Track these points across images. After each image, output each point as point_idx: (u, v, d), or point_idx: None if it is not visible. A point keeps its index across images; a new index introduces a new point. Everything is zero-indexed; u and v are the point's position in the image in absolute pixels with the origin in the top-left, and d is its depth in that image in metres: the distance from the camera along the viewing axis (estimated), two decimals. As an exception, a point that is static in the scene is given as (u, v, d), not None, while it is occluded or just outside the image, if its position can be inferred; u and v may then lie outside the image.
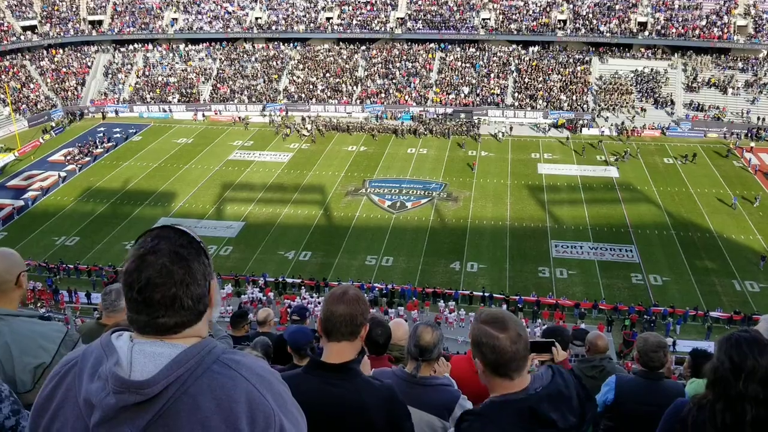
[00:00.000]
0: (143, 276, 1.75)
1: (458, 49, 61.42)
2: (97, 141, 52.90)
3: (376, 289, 31.84)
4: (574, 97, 55.69)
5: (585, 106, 54.93)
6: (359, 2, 64.25)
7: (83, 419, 1.71)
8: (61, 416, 1.77)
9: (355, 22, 62.89)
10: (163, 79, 62.06)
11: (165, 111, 59.37)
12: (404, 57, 61.44)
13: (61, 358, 2.51)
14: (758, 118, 51.50)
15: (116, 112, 59.49)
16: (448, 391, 3.56)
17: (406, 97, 57.83)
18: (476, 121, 54.22)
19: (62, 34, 64.63)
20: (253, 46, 64.57)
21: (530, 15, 60.90)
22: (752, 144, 48.64)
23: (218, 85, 60.85)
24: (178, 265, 1.78)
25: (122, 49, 65.56)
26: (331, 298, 2.82)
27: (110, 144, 52.72)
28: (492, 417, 2.44)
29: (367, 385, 2.79)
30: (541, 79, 57.71)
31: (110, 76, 63.37)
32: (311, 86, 60.09)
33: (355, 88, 59.57)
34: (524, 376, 2.52)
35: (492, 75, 58.72)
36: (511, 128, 53.07)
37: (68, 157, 49.97)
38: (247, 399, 1.72)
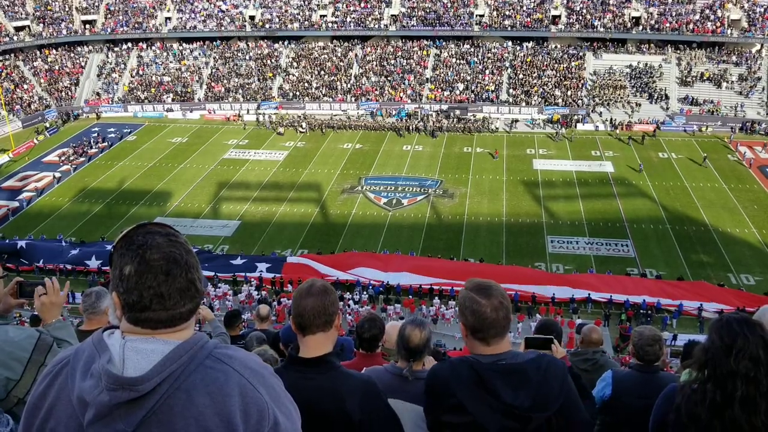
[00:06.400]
0: (155, 270, 1.73)
1: (452, 45, 61.38)
2: (92, 141, 52.72)
3: (372, 286, 31.82)
4: (568, 93, 55.73)
5: (580, 101, 54.98)
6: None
7: (77, 417, 1.71)
8: (55, 415, 1.76)
9: (349, 19, 62.78)
10: (157, 79, 61.89)
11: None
12: (399, 54, 61.38)
13: (33, 365, 2.49)
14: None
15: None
16: None
17: (401, 94, 57.78)
18: (472, 117, 54.24)
19: (55, 34, 64.32)
20: (247, 45, 64.41)
21: (524, 11, 60.88)
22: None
23: (212, 84, 60.69)
24: (182, 249, 1.80)
25: (116, 49, 65.29)
26: (299, 294, 2.87)
27: (105, 144, 52.57)
28: (456, 369, 2.64)
29: (343, 376, 2.83)
30: (535, 74, 57.72)
31: (104, 75, 63.17)
32: (306, 84, 60.00)
33: (349, 85, 59.49)
34: (502, 344, 2.66)
35: (486, 71, 58.72)
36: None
37: (63, 158, 49.82)
38: (241, 393, 1.72)
